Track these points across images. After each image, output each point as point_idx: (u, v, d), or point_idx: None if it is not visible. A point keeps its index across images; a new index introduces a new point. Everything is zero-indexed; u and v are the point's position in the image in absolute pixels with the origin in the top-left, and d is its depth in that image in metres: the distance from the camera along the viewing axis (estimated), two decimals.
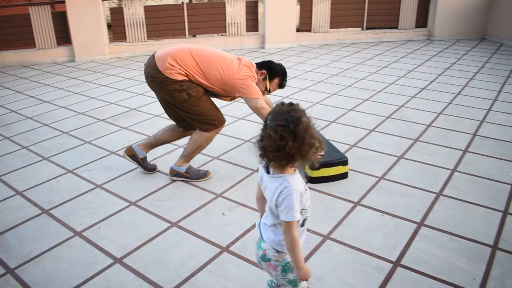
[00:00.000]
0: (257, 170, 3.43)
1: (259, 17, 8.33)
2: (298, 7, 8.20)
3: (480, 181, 3.19)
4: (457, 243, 2.49)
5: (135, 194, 3.15)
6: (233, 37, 8.12)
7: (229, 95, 3.18)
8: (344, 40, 8.33)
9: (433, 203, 2.89)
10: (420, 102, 4.92)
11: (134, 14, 7.78)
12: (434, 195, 2.99)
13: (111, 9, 8.04)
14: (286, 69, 3.36)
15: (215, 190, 3.17)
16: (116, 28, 7.97)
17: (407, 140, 3.89)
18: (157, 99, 3.34)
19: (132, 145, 3.43)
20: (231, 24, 8.07)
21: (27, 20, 7.55)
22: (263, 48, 8.14)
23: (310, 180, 3.18)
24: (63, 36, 7.86)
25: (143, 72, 3.30)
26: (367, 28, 8.64)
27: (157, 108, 4.94)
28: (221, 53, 3.08)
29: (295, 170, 1.56)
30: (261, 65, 3.19)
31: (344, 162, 3.21)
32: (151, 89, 3.14)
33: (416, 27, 8.71)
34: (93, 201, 3.09)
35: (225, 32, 8.14)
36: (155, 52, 3.05)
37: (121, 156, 3.67)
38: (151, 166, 3.50)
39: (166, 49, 3.02)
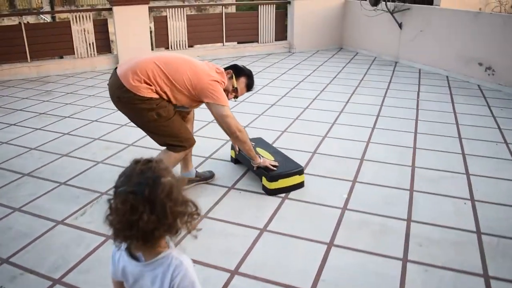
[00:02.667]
0: (63, 221, 2.86)
1: (111, 37, 7.71)
2: (152, 24, 7.73)
3: (309, 208, 2.95)
4: None
5: None
6: (83, 59, 7.39)
7: (196, 103, 2.98)
8: (204, 56, 7.99)
9: (254, 243, 2.56)
10: (266, 120, 4.70)
11: None
12: (257, 231, 2.67)
13: None
14: None
15: (1, 254, 2.55)
16: None
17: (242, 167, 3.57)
18: None
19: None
20: (80, 45, 7.34)
21: None
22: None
23: (269, 192, 3.11)
24: None
25: None
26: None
27: None
28: (189, 58, 2.94)
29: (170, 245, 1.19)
30: (227, 68, 3.11)
31: (300, 172, 3.19)
32: (118, 110, 2.92)
33: (276, 40, 8.70)
34: None
35: (74, 53, 7.39)
36: (116, 69, 2.82)
37: None
38: (208, 174, 3.38)
39: (128, 63, 2.80)
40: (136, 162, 1.14)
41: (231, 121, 2.89)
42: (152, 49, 7.86)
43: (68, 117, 5.08)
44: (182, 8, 7.91)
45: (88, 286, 2.26)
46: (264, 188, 3.16)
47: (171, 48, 7.95)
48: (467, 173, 3.44)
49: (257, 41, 8.59)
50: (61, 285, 2.28)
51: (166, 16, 7.76)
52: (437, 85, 6.05)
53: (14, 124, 4.90)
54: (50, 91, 6.29)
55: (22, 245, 2.63)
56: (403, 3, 7.21)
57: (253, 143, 3.27)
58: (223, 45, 8.39)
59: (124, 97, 2.74)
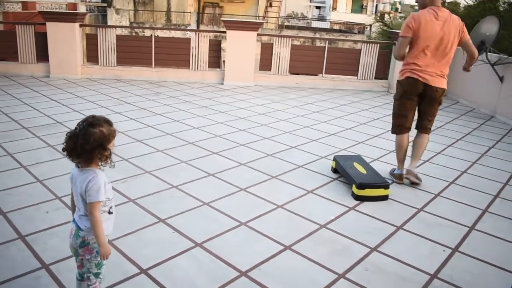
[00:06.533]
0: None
1: (222, 55, 8.76)
2: (259, 48, 8.59)
3: (294, 219, 3.34)
4: None
5: None
6: (195, 72, 8.55)
7: None
8: (303, 84, 8.60)
9: (228, 230, 3.07)
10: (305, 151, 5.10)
11: (107, 40, 8.33)
12: (237, 223, 3.17)
13: (87, 35, 8.65)
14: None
15: (57, 192, 3.52)
16: (90, 51, 8.56)
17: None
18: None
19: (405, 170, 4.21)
20: (195, 59, 8.51)
21: (13, 36, 8.23)
22: (222, 84, 8.52)
23: (356, 198, 3.71)
24: (43, 54, 8.42)
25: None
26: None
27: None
28: None
29: (100, 168, 1.98)
30: None
31: (386, 186, 3.75)
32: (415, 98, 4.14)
33: (376, 78, 8.92)
34: None
35: (189, 66, 8.58)
36: (421, 78, 4.11)
37: None
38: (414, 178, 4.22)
39: (435, 69, 4.15)
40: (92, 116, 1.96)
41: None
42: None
43: (160, 114, 6.09)
44: (288, 38, 8.65)
45: None
46: (352, 194, 3.76)
47: (273, 72, 8.73)
48: (472, 227, 3.41)
49: (356, 76, 8.91)
50: None
51: (272, 43, 8.58)
52: None
53: (119, 113, 6.06)
54: (159, 93, 7.48)
55: None
56: (507, 56, 6.97)
57: (352, 159, 4.15)
58: (322, 76, 8.90)
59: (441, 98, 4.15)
